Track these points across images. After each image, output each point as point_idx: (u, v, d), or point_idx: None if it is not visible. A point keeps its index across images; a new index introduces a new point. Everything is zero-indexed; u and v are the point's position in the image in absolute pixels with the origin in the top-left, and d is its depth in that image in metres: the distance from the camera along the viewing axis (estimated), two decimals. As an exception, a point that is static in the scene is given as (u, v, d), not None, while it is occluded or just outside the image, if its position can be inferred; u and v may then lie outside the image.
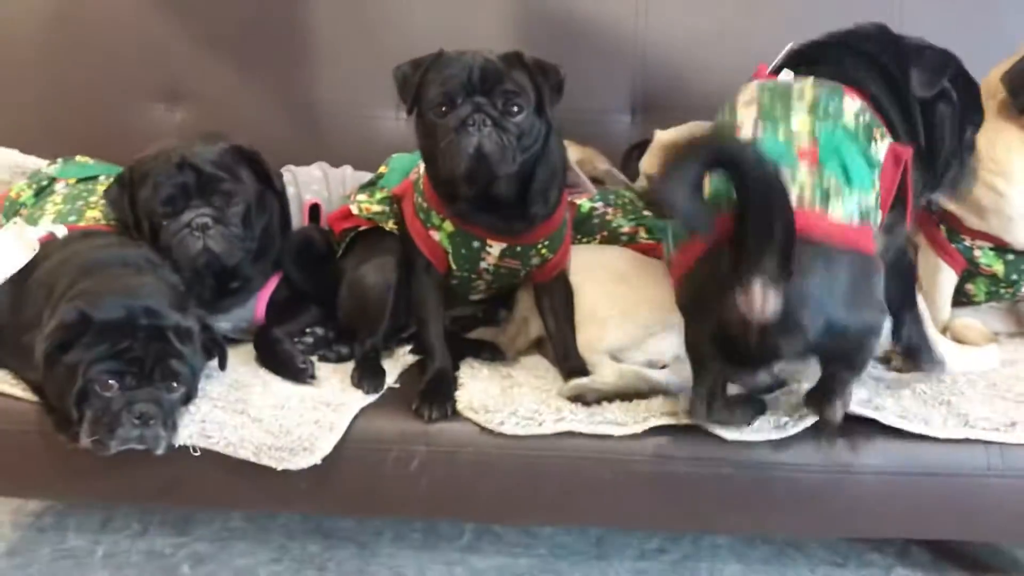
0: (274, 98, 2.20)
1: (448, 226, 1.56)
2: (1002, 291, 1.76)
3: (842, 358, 1.32)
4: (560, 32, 2.16)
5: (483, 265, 1.59)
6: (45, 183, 1.86)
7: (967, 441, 1.43)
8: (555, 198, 1.56)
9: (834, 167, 1.31)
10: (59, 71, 2.23)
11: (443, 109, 1.46)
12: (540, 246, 1.57)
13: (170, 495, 1.59)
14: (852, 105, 1.41)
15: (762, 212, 1.19)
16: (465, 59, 1.48)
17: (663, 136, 1.86)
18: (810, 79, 1.47)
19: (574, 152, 2.00)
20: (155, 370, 1.42)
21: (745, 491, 1.47)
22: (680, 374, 1.54)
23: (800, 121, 1.36)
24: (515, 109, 1.46)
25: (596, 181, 1.97)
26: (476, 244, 1.56)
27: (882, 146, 1.38)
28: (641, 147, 1.91)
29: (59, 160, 1.99)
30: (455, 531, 2.02)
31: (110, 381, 1.40)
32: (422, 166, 1.60)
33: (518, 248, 1.56)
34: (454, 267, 1.59)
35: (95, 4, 2.26)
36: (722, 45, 2.13)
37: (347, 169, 1.99)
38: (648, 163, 1.86)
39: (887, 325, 1.40)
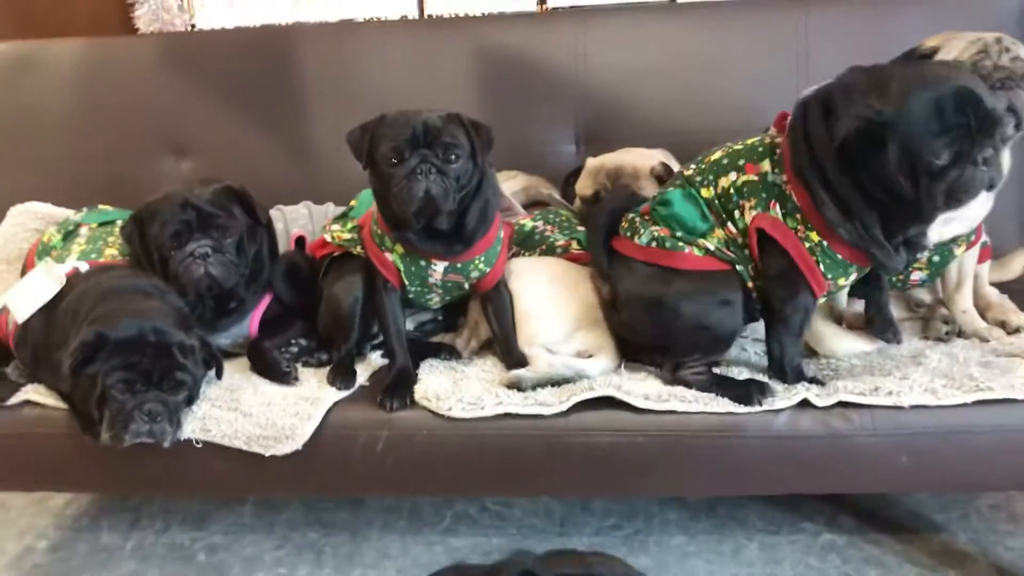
0: (270, 147, 2.52)
1: (399, 248, 1.84)
2: (894, 280, 1.99)
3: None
4: (512, 76, 2.46)
5: (431, 280, 1.87)
6: (71, 228, 2.19)
7: (840, 405, 1.68)
8: (487, 223, 1.84)
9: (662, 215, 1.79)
10: (81, 133, 2.58)
11: (394, 161, 1.74)
12: (477, 261, 1.85)
13: (178, 484, 1.88)
14: (731, 179, 1.73)
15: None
16: (409, 118, 1.76)
17: (591, 161, 2.14)
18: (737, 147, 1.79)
19: (521, 180, 2.30)
20: (162, 379, 1.71)
21: (656, 456, 1.71)
22: (600, 362, 1.83)
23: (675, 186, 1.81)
24: (453, 158, 1.74)
25: (541, 204, 2.26)
26: (423, 263, 1.84)
27: (749, 214, 1.70)
28: (577, 173, 2.18)
29: (84, 209, 2.33)
30: (436, 517, 2.30)
31: (124, 387, 1.69)
32: (376, 202, 1.90)
33: (458, 264, 1.85)
34: (407, 283, 1.88)
35: (110, 73, 2.59)
36: (652, 82, 2.41)
37: (330, 206, 2.30)
38: (581, 185, 2.14)
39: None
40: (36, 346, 1.88)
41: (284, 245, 2.15)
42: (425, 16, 2.80)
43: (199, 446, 1.77)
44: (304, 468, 1.77)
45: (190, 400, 1.79)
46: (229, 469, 1.80)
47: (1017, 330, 1.89)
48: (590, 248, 1.91)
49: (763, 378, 1.75)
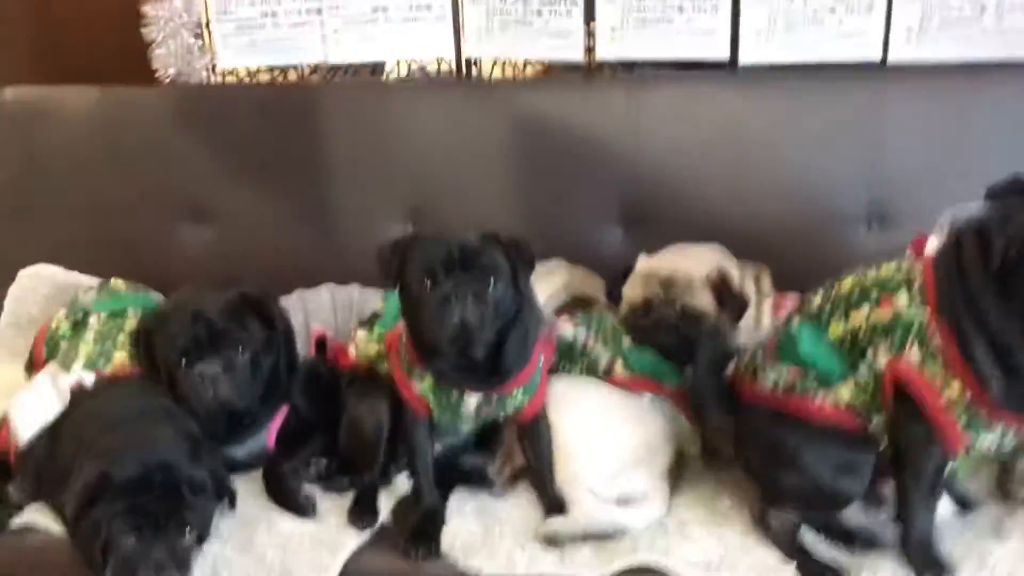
0: (294, 216, 2.36)
1: (428, 380, 1.69)
2: None
3: None
4: (554, 148, 2.27)
5: (463, 413, 1.72)
6: (80, 316, 2.05)
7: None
8: (527, 356, 1.68)
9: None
10: (96, 194, 2.43)
11: (427, 283, 1.58)
12: (516, 393, 1.70)
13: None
14: (869, 312, 1.53)
15: None
16: (445, 239, 1.61)
17: (643, 264, 1.96)
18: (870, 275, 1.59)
19: (562, 275, 2.12)
20: (170, 522, 1.58)
21: (703, 631, 1.57)
22: (646, 512, 1.68)
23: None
24: (492, 283, 1.58)
25: (583, 300, 2.09)
26: (455, 395, 1.69)
27: (882, 357, 1.51)
28: (627, 274, 1.98)
29: (94, 286, 2.18)
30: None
31: (129, 533, 1.56)
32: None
33: (494, 398, 1.69)
34: (437, 415, 1.72)
35: (127, 126, 2.43)
36: (708, 159, 2.20)
37: (354, 290, 2.14)
38: (630, 290, 1.95)
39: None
40: (39, 465, 1.75)
41: (303, 339, 1.99)
42: (463, 58, 2.58)
43: (209, 591, 1.65)
44: (321, 618, 1.65)
45: (200, 539, 1.66)
46: (241, 612, 1.68)
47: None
48: (695, 396, 1.77)
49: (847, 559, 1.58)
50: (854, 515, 1.63)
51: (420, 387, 1.70)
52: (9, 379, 2.25)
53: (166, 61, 2.52)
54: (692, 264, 1.92)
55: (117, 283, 2.19)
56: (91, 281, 2.34)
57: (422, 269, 1.59)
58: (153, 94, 2.48)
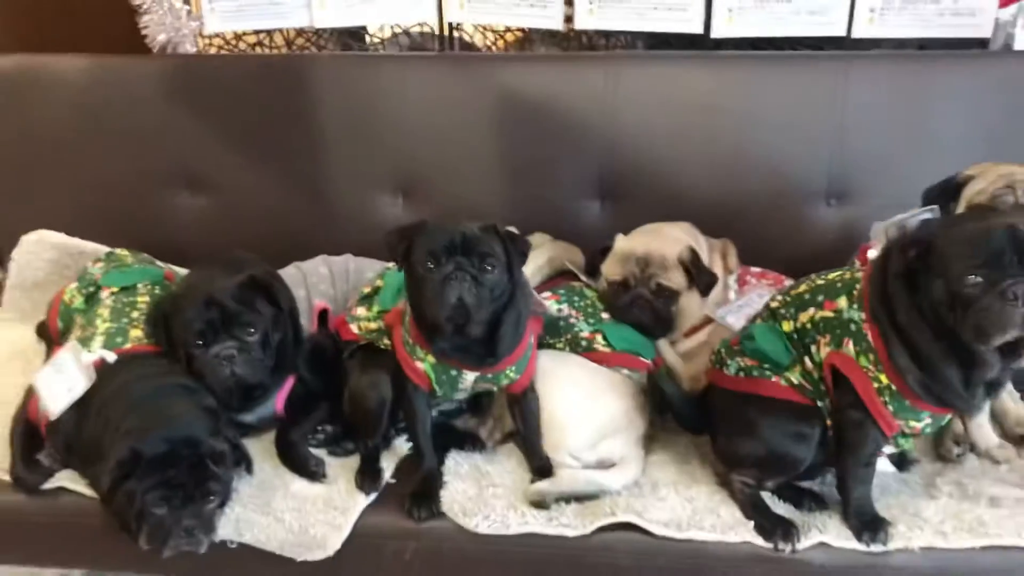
0: (286, 186, 2.47)
1: (430, 358, 1.85)
2: None
3: None
4: (535, 122, 2.40)
5: (461, 387, 1.90)
6: (92, 290, 2.17)
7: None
8: (519, 337, 1.84)
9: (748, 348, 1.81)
10: (91, 159, 2.52)
11: (431, 265, 1.73)
12: (508, 371, 1.87)
13: (215, 572, 1.96)
14: (814, 314, 1.75)
15: None
16: (448, 227, 1.75)
17: (620, 245, 2.12)
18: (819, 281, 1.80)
19: (547, 250, 2.27)
20: (196, 491, 1.76)
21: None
22: (623, 474, 1.88)
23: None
24: (489, 268, 1.74)
25: (565, 274, 2.25)
26: (453, 373, 1.86)
27: (824, 350, 1.71)
28: (605, 252, 2.16)
29: (101, 257, 2.30)
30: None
31: (160, 503, 1.74)
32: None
33: (489, 375, 1.86)
34: (437, 389, 1.90)
35: (120, 95, 2.51)
36: (682, 138, 2.35)
37: (349, 261, 2.27)
38: (609, 269, 2.12)
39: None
40: (68, 437, 1.91)
41: (306, 314, 2.14)
42: (445, 24, 2.67)
43: (233, 546, 1.84)
44: (334, 569, 1.84)
45: (223, 503, 1.84)
46: (259, 565, 1.86)
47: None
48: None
49: (801, 516, 1.80)
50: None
51: (422, 365, 1.87)
52: (19, 338, 2.42)
53: (155, 28, 2.57)
54: (665, 244, 2.09)
55: (122, 253, 2.31)
56: (94, 247, 2.47)
57: (427, 252, 1.73)
58: (144, 63, 2.54)
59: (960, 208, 1.80)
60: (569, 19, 2.60)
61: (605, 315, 2.09)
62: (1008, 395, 2.04)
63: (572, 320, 2.08)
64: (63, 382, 1.92)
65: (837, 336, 1.70)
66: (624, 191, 2.38)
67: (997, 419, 2.00)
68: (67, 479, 1.92)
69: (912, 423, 1.69)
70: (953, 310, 1.54)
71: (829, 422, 1.75)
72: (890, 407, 1.66)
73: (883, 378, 1.65)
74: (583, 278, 2.20)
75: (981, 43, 2.44)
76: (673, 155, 2.35)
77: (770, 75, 2.36)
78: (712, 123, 2.34)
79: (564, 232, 2.36)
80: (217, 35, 2.72)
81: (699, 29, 2.48)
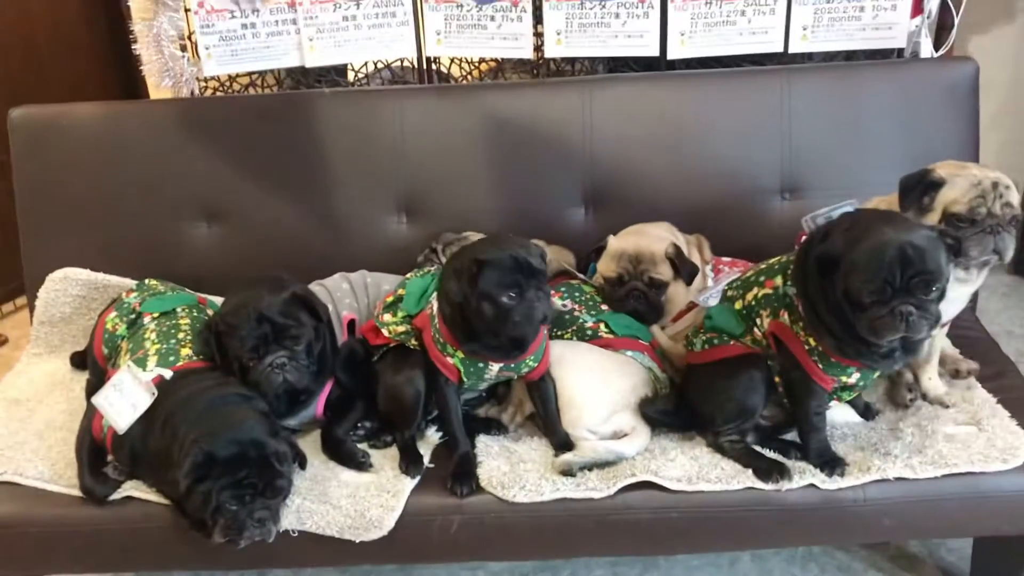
0: (297, 212, 2.68)
1: (459, 354, 2.10)
2: None
3: None
4: (522, 142, 2.66)
5: (487, 376, 2.15)
6: (133, 317, 2.36)
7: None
8: (538, 330, 2.10)
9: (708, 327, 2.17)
10: (110, 198, 2.68)
11: (512, 295, 1.96)
12: (528, 360, 2.12)
13: (278, 561, 2.17)
14: (757, 292, 2.08)
15: None
16: (507, 255, 1.98)
17: (613, 245, 2.41)
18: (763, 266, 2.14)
19: (545, 253, 2.54)
20: (266, 489, 1.97)
21: (687, 527, 2.07)
22: (636, 442, 2.16)
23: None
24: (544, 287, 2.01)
25: (563, 274, 2.53)
26: (481, 365, 2.11)
27: (765, 321, 2.04)
28: (598, 252, 2.44)
29: (132, 287, 2.48)
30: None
31: (235, 501, 1.94)
32: (434, 306, 2.14)
33: (512, 364, 2.12)
34: (465, 380, 2.15)
35: (135, 137, 2.69)
36: (650, 150, 2.64)
37: (366, 276, 2.50)
38: (604, 267, 2.40)
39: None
40: (134, 449, 2.09)
41: (335, 324, 2.36)
42: (424, 57, 2.93)
43: (295, 535, 2.05)
44: (388, 547, 2.05)
45: (286, 496, 2.05)
46: (321, 549, 2.08)
47: (969, 373, 2.30)
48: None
49: (788, 461, 2.09)
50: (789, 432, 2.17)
51: (452, 360, 2.12)
52: (55, 369, 2.60)
53: (157, 75, 2.77)
54: (652, 242, 2.38)
55: (153, 283, 2.50)
56: (119, 280, 2.64)
57: (508, 285, 1.96)
58: (155, 107, 2.75)
59: (936, 212, 2.09)
60: (538, 48, 2.89)
61: (604, 307, 2.37)
62: (944, 343, 2.39)
63: (576, 313, 2.36)
64: (125, 399, 2.10)
65: (775, 308, 2.03)
66: (605, 198, 2.67)
67: (941, 364, 2.34)
68: (133, 488, 2.11)
69: (843, 378, 2.02)
70: (853, 311, 1.87)
71: (778, 378, 2.08)
72: (820, 365, 1.99)
73: (811, 341, 1.98)
74: (579, 276, 2.48)
75: (898, 52, 2.82)
76: (645, 164, 2.64)
77: (723, 89, 2.68)
78: (676, 134, 2.64)
79: (555, 237, 2.63)
80: (213, 78, 2.93)
81: (656, 52, 2.80)
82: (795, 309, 2.00)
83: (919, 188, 2.11)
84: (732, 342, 2.11)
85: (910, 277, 1.81)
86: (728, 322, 2.12)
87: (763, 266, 2.14)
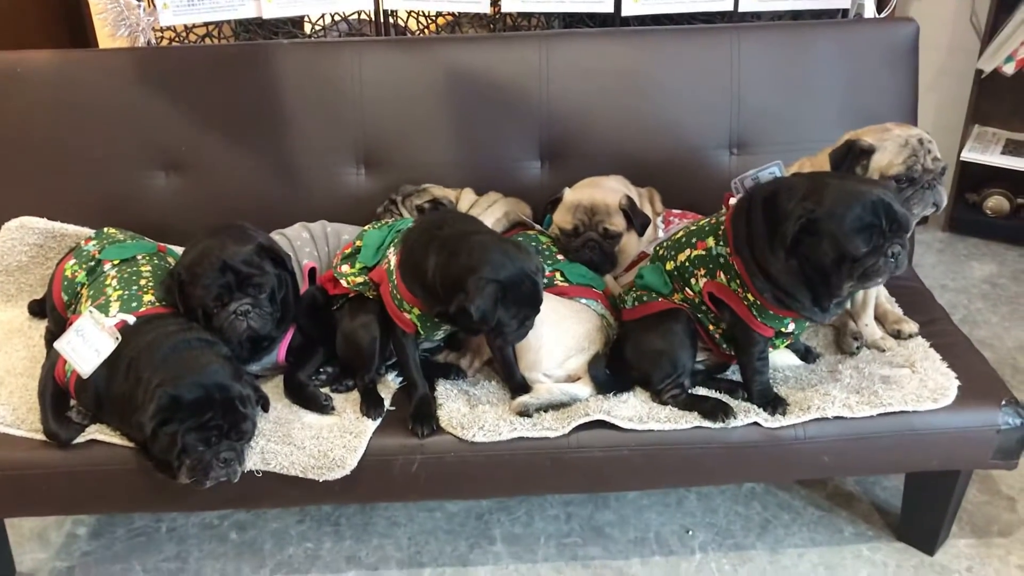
0: (256, 163, 2.70)
1: (416, 310, 2.16)
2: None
3: None
4: (480, 95, 2.70)
5: (443, 327, 2.21)
6: (92, 264, 2.37)
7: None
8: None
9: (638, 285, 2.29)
10: (68, 148, 2.68)
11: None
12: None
13: (243, 502, 2.23)
14: (690, 253, 2.18)
15: None
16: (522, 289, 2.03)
17: (569, 197, 2.47)
18: (692, 228, 2.24)
19: (501, 205, 2.60)
20: (231, 431, 2.02)
21: (639, 465, 2.16)
22: (590, 384, 2.24)
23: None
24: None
25: (520, 225, 2.59)
26: (437, 319, 2.17)
27: (701, 280, 2.15)
28: (555, 203, 2.50)
29: (91, 235, 2.48)
30: (432, 485, 2.72)
31: (201, 442, 1.99)
32: (391, 260, 2.19)
33: None
34: (422, 333, 2.21)
35: (93, 86, 2.68)
36: (604, 104, 2.71)
37: (326, 225, 2.54)
38: (560, 219, 2.47)
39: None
40: (98, 393, 2.12)
41: (296, 273, 2.39)
42: (382, 10, 2.95)
43: (259, 475, 2.11)
44: (350, 486, 2.12)
45: (250, 438, 2.10)
46: (285, 489, 2.13)
47: (910, 336, 2.40)
48: None
49: (732, 400, 2.20)
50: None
51: (409, 315, 2.17)
52: (13, 318, 2.61)
53: (113, 24, 2.75)
54: (607, 194, 2.45)
55: (111, 231, 2.50)
56: (76, 230, 2.65)
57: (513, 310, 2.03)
58: (112, 56, 2.72)
59: (874, 178, 2.18)
60: (495, 3, 2.93)
61: (560, 256, 2.44)
62: (886, 300, 2.51)
63: (533, 262, 2.43)
64: (88, 344, 2.12)
65: (711, 269, 2.14)
66: (561, 151, 2.73)
67: (879, 320, 2.46)
68: (98, 432, 2.14)
69: (783, 327, 2.13)
70: (840, 265, 1.96)
71: (712, 327, 2.20)
72: (759, 318, 2.10)
73: (750, 297, 2.08)
74: (536, 227, 2.54)
75: (843, 12, 2.92)
76: (601, 118, 2.71)
77: (675, 46, 2.74)
78: (630, 89, 2.71)
79: (512, 189, 2.69)
80: (169, 28, 2.92)
81: (610, 9, 2.86)
82: (731, 268, 2.10)
83: (848, 159, 2.21)
84: (660, 299, 2.22)
85: (891, 222, 1.94)
86: (658, 281, 2.23)
87: (693, 227, 2.24)
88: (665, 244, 2.27)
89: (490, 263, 2.00)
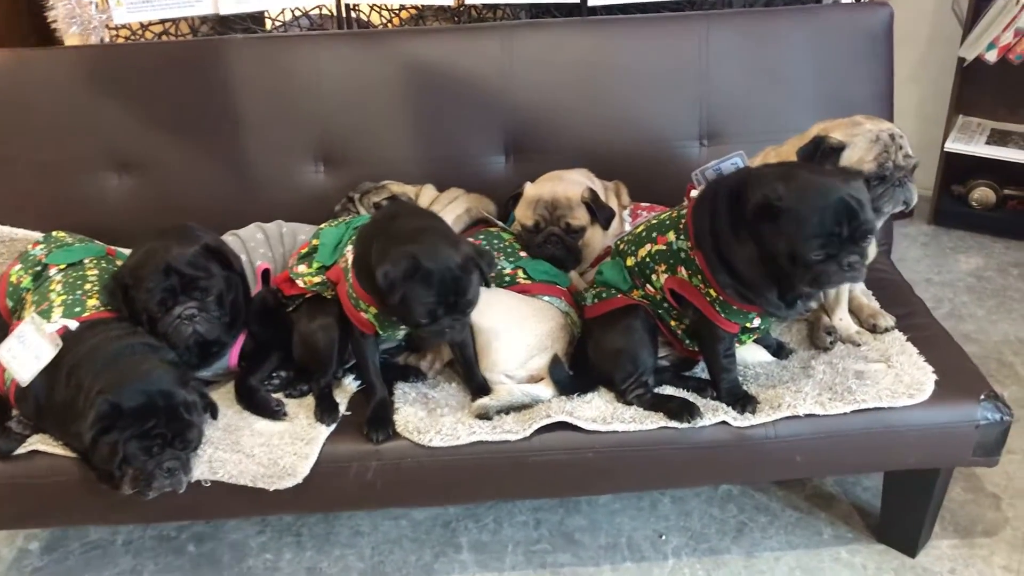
0: (211, 162, 2.63)
1: (372, 309, 2.07)
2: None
3: None
4: (441, 88, 2.62)
5: (402, 327, 2.12)
6: (39, 268, 2.29)
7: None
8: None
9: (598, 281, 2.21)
10: (16, 149, 2.61)
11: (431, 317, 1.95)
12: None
13: (195, 512, 2.14)
14: (650, 248, 2.10)
15: None
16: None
17: (530, 192, 2.39)
18: (653, 222, 2.15)
19: (463, 201, 2.52)
20: (175, 439, 1.94)
21: (603, 467, 2.08)
22: (551, 385, 2.16)
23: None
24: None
25: (482, 222, 2.51)
26: (395, 319, 2.08)
27: (662, 276, 2.06)
28: (516, 198, 2.42)
29: (39, 240, 2.40)
30: (398, 493, 2.64)
31: (143, 451, 1.91)
32: (348, 259, 2.10)
33: None
34: (381, 332, 2.12)
35: (41, 86, 2.60)
36: (569, 95, 2.63)
37: (281, 225, 2.46)
38: (521, 214, 2.39)
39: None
40: (39, 401, 2.04)
41: (249, 275, 2.30)
42: (343, 4, 2.87)
43: (208, 485, 2.02)
44: (303, 495, 2.04)
45: (196, 446, 2.02)
46: (233, 499, 2.05)
47: (886, 330, 2.31)
48: None
49: (699, 399, 2.11)
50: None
51: (367, 315, 2.09)
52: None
53: (64, 21, 2.67)
54: (569, 187, 2.37)
55: (60, 235, 2.42)
56: (24, 233, 2.57)
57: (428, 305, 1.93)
58: (62, 54, 2.65)
59: None
60: (459, -8, 2.85)
61: (523, 253, 2.36)
62: (862, 293, 2.43)
63: (495, 261, 2.34)
64: (28, 351, 2.04)
65: (671, 265, 2.05)
66: (526, 144, 2.65)
67: (855, 313, 2.37)
68: (40, 442, 2.06)
69: (746, 324, 2.05)
70: (794, 264, 1.87)
71: (673, 324, 2.12)
72: (722, 313, 2.01)
73: (712, 292, 2.00)
74: (499, 224, 2.46)
75: (816, -1, 2.84)
76: (566, 110, 2.63)
77: (642, 36, 2.66)
78: (596, 80, 2.63)
79: (476, 185, 2.61)
80: (124, 26, 2.84)
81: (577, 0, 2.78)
82: (692, 263, 2.01)
83: (817, 157, 2.11)
84: (619, 295, 2.13)
85: (854, 229, 1.84)
86: (617, 277, 2.15)
87: (654, 222, 2.16)
88: (626, 239, 2.19)
89: (420, 243, 1.93)
